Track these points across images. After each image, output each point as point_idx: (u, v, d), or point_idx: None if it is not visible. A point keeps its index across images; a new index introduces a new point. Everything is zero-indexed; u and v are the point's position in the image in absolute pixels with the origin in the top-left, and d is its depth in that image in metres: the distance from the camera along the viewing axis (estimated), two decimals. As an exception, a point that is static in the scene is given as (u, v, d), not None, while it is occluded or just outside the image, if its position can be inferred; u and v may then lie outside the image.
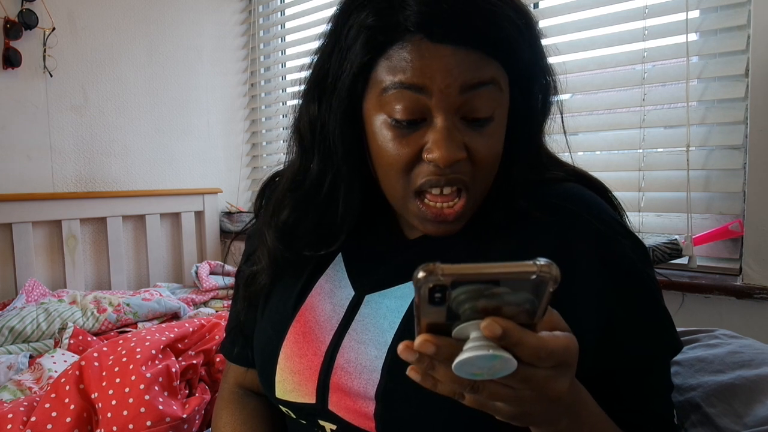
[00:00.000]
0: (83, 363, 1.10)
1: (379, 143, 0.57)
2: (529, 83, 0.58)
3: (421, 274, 0.34)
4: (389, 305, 0.61)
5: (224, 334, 0.81)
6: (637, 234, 0.61)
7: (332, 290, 0.66)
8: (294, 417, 0.65)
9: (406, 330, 0.58)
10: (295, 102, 0.65)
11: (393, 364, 0.56)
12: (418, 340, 0.36)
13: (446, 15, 0.52)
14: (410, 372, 0.39)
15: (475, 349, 0.35)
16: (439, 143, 0.53)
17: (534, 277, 0.34)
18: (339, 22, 0.58)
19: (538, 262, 0.34)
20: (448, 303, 0.35)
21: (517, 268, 0.34)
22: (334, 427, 0.60)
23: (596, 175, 0.68)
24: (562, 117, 0.65)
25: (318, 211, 0.64)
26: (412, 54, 0.53)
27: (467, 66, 0.52)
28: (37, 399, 1.08)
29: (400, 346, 0.38)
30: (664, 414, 0.59)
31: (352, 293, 0.64)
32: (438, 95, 0.53)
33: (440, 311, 0.36)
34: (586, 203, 0.60)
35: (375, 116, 0.56)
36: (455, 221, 0.57)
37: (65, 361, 1.36)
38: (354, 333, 0.61)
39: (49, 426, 1.00)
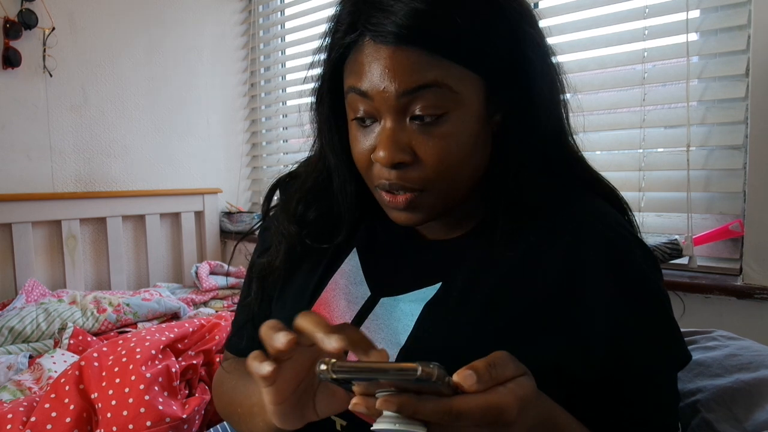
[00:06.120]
0: (83, 363, 1.10)
1: (351, 140, 0.59)
2: (520, 80, 0.55)
3: (322, 367, 0.39)
4: (404, 309, 0.60)
5: (228, 333, 0.80)
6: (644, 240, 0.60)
7: (347, 287, 0.65)
8: None
9: (419, 333, 0.58)
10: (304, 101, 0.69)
11: None
12: (353, 401, 0.41)
13: (387, 15, 0.51)
14: None
15: (384, 421, 0.40)
16: (381, 144, 0.54)
17: (417, 377, 0.36)
18: (327, 24, 0.61)
19: (421, 365, 0.36)
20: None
21: (401, 367, 0.37)
22: (344, 423, 0.59)
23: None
24: (567, 116, 0.63)
25: (326, 202, 0.67)
26: (360, 57, 0.54)
27: (405, 68, 0.51)
28: (37, 399, 1.08)
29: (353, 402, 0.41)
30: (670, 426, 0.58)
31: (368, 293, 0.64)
32: (378, 99, 0.54)
33: (359, 383, 0.41)
34: (597, 210, 0.59)
35: (348, 114, 0.59)
36: (407, 209, 0.57)
37: (65, 361, 1.36)
38: (367, 332, 0.60)
39: (49, 426, 1.00)
